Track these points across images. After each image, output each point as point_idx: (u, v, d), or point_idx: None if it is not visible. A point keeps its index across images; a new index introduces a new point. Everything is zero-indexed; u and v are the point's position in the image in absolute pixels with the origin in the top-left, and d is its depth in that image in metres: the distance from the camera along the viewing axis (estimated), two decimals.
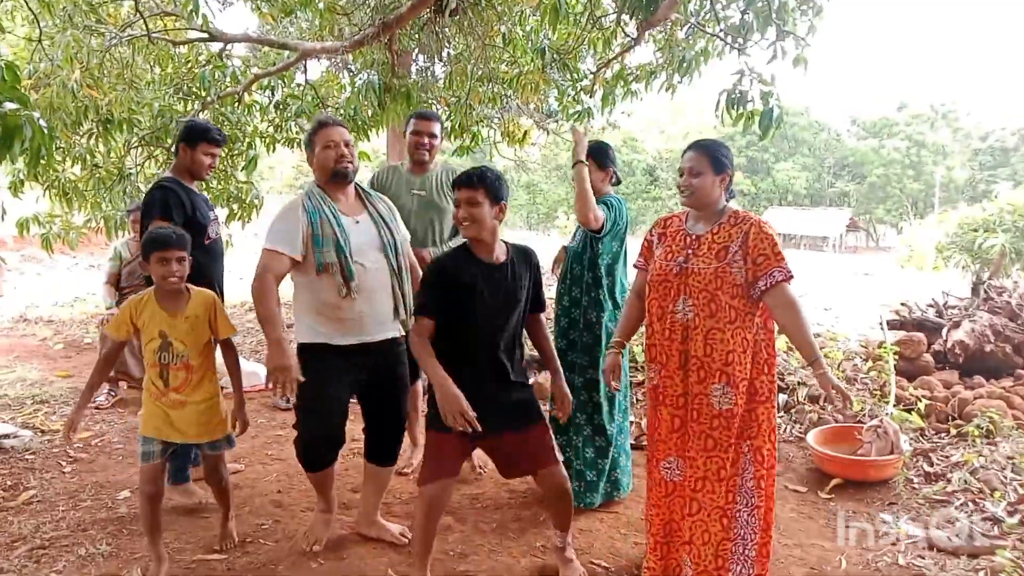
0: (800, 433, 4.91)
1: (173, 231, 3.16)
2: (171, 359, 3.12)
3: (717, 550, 2.81)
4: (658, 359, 2.91)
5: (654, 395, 2.95)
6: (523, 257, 3.01)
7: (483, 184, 2.81)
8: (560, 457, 3.17)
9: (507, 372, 2.94)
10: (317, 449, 3.34)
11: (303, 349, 3.23)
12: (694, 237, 2.87)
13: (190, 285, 3.20)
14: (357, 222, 3.26)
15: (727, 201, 2.90)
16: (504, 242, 2.99)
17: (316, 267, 3.13)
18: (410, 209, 4.08)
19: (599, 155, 3.85)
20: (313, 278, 3.16)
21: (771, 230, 2.78)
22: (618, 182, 3.99)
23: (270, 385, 3.03)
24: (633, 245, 3.63)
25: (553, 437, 3.15)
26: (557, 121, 8.93)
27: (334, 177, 3.26)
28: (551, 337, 3.34)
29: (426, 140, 4.15)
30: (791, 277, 2.70)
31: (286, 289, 3.24)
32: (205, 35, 5.68)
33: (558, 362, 3.19)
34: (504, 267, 2.93)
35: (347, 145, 3.26)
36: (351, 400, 3.37)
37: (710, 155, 2.82)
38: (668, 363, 2.88)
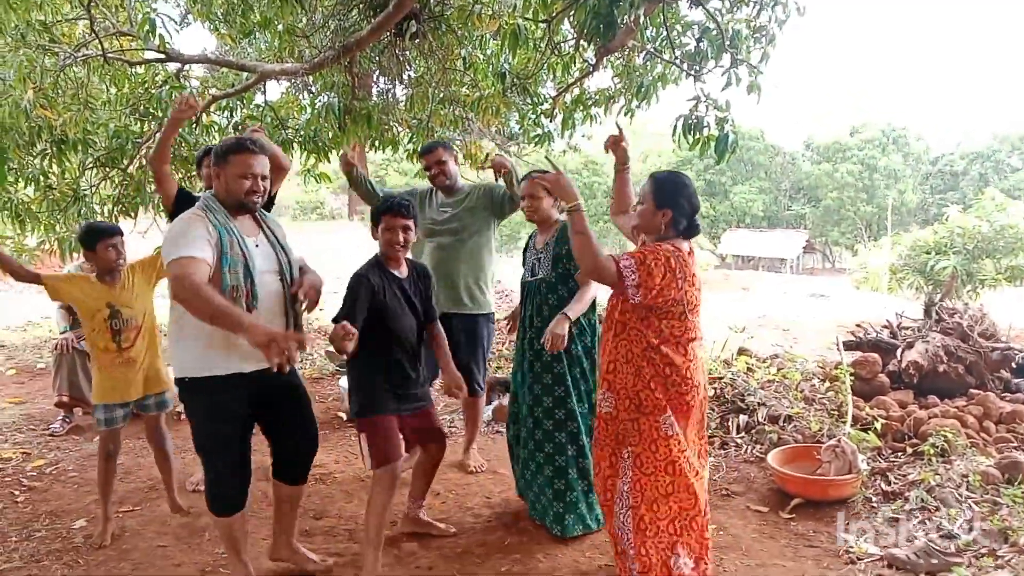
0: (761, 453, 4.95)
1: (108, 223, 3.96)
2: (121, 324, 3.79)
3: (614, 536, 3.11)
4: None
5: None
6: (421, 273, 3.68)
7: (412, 215, 3.47)
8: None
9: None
10: (231, 492, 3.14)
11: (191, 385, 3.03)
12: None
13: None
14: (257, 245, 3.12)
15: (680, 237, 3.06)
16: (407, 259, 3.63)
17: (220, 288, 2.88)
18: (438, 221, 4.64)
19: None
20: None
21: (657, 251, 2.91)
22: None
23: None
24: None
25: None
26: (519, 144, 8.98)
27: (239, 208, 3.09)
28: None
29: (435, 169, 4.59)
30: (619, 262, 2.87)
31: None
32: (162, 55, 5.61)
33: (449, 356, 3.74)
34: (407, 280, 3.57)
35: (263, 178, 3.10)
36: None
37: (655, 187, 3.04)
38: None
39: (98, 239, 3.77)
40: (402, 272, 3.55)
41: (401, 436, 3.58)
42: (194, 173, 6.51)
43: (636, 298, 2.87)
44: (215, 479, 3.13)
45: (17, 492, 4.54)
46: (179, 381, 3.09)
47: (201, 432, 3.11)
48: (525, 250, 4.17)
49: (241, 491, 3.17)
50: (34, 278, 3.87)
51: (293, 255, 3.26)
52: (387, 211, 3.43)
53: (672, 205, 2.99)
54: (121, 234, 3.87)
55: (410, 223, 3.45)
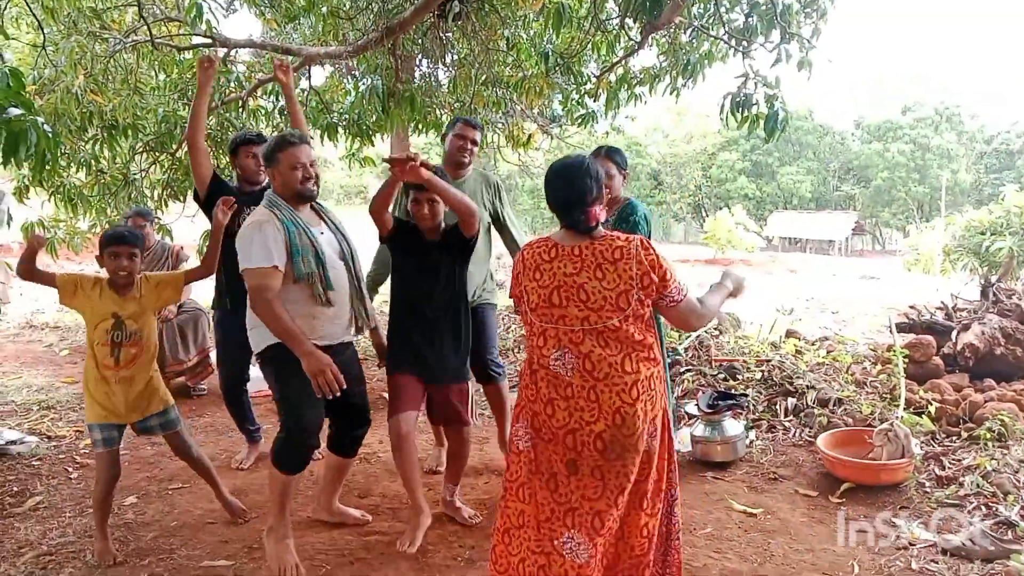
0: (810, 437, 4.87)
1: (127, 230, 3.58)
2: (123, 337, 3.42)
3: None
4: None
5: None
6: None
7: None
8: (471, 421, 3.91)
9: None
10: (303, 443, 3.33)
11: (273, 349, 3.23)
12: None
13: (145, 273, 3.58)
14: (322, 233, 3.36)
15: (564, 228, 2.69)
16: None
17: (295, 277, 3.16)
18: (445, 211, 4.28)
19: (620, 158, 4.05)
20: (288, 287, 3.17)
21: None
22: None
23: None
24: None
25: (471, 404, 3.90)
26: (561, 125, 8.89)
27: (299, 198, 3.30)
28: None
29: (468, 145, 4.32)
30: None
31: None
32: (209, 40, 5.67)
33: None
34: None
35: (313, 165, 3.30)
36: None
37: None
38: None
39: (105, 246, 3.41)
40: (433, 235, 3.61)
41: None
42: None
43: (520, 307, 2.73)
44: (299, 433, 3.30)
45: (71, 468, 4.65)
46: (261, 355, 3.31)
47: (282, 390, 3.30)
48: None
49: (313, 444, 3.38)
50: (48, 279, 3.46)
51: (353, 242, 3.52)
52: (412, 186, 3.48)
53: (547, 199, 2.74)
54: (134, 245, 3.43)
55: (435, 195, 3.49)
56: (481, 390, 4.87)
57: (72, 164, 5.84)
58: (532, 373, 2.65)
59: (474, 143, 4.33)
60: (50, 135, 3.56)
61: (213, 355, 6.08)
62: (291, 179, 3.25)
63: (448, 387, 3.69)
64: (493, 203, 4.41)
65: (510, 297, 2.76)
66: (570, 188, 2.61)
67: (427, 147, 30.35)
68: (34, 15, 4.98)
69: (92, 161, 5.84)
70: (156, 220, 6.20)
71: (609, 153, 3.98)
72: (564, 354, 2.55)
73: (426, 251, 3.57)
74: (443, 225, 3.63)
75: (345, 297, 3.38)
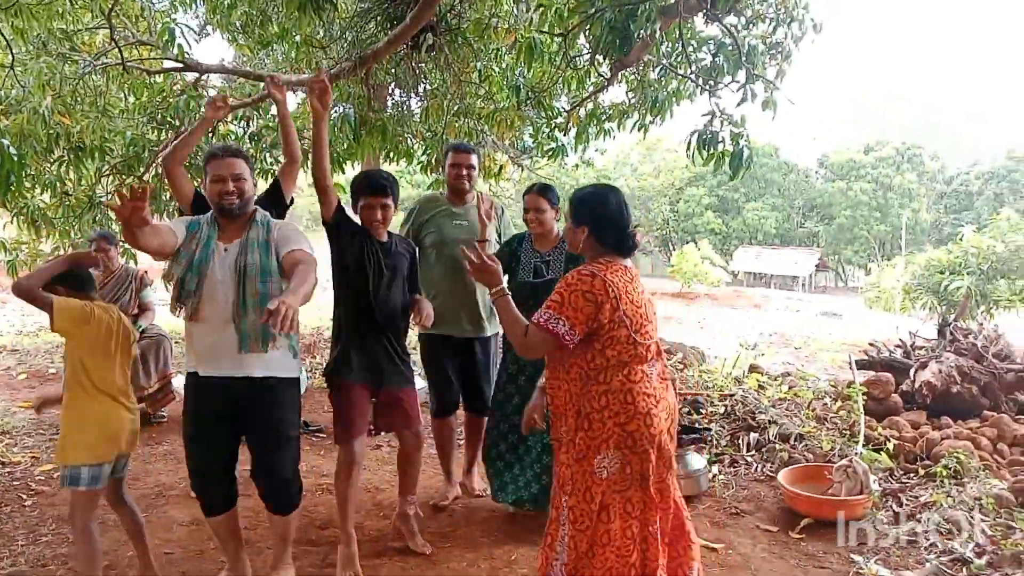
0: (771, 472, 4.91)
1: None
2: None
3: None
4: None
5: None
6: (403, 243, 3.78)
7: (391, 193, 3.57)
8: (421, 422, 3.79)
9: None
10: (201, 487, 3.24)
11: (188, 376, 3.23)
12: None
13: None
14: (226, 249, 3.09)
15: (613, 253, 2.77)
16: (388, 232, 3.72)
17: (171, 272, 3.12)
18: (454, 238, 4.27)
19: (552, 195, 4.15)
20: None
21: (570, 281, 2.67)
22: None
23: None
24: None
25: (419, 407, 3.77)
26: (532, 157, 8.98)
27: (219, 212, 3.15)
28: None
29: (465, 171, 4.38)
30: (542, 322, 2.65)
31: None
32: (180, 65, 5.66)
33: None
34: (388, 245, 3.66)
35: (236, 179, 3.09)
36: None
37: (571, 205, 2.87)
38: None
39: None
40: (383, 238, 3.65)
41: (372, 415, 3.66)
42: None
43: (576, 338, 2.61)
44: (191, 477, 3.28)
45: (25, 496, 4.55)
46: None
47: (184, 426, 3.24)
48: (514, 253, 4.20)
49: (215, 491, 3.22)
50: None
51: (270, 262, 3.08)
52: (366, 192, 3.56)
53: (588, 222, 2.73)
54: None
55: (388, 201, 3.56)
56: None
57: (37, 185, 5.77)
58: (630, 394, 2.68)
59: (471, 167, 4.40)
60: (15, 156, 3.55)
61: (175, 381, 6.01)
62: (211, 192, 3.14)
63: (401, 391, 3.65)
64: (497, 227, 4.53)
65: (581, 322, 2.59)
66: (629, 214, 2.82)
67: (398, 174, 30.41)
68: (2, 35, 4.95)
69: (57, 183, 5.79)
70: (120, 244, 6.13)
71: (541, 190, 4.08)
72: (650, 367, 2.76)
73: (383, 252, 3.59)
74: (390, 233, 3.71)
75: (229, 322, 3.00)
